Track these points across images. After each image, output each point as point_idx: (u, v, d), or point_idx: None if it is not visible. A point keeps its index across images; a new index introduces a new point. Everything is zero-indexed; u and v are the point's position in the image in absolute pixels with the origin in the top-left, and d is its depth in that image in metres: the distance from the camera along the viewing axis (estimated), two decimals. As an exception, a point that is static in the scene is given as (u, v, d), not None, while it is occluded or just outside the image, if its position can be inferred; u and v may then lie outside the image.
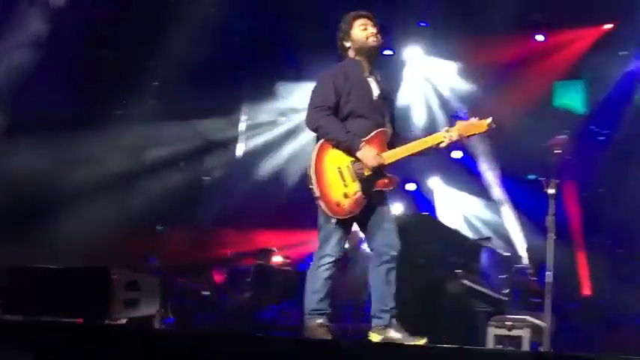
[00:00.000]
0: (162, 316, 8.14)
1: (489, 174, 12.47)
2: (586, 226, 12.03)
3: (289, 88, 13.43)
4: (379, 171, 5.58)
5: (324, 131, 5.59)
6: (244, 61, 12.79)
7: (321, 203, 5.54)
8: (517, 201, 12.29)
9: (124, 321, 6.18)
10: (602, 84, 12.26)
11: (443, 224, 9.10)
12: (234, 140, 13.83)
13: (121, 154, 11.90)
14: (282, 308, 10.25)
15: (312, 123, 5.68)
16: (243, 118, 13.83)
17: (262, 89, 13.37)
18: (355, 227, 5.81)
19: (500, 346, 7.20)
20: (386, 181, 5.63)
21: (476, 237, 10.66)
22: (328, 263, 5.65)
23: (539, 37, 12.29)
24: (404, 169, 5.79)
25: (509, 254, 9.00)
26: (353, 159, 5.56)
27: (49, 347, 4.57)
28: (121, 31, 11.56)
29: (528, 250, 11.36)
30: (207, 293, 11.03)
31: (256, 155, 13.64)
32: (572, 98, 12.57)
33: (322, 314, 5.67)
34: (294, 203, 12.91)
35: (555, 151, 5.99)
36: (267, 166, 13.51)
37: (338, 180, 5.54)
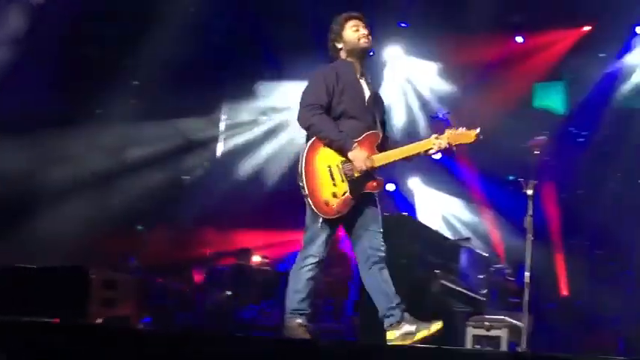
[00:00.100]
0: (139, 316, 8.13)
1: (469, 175, 12.51)
2: (564, 227, 12.08)
3: (269, 88, 13.41)
4: (368, 173, 5.60)
5: (316, 129, 5.60)
6: (224, 60, 12.77)
7: (310, 201, 5.54)
8: (496, 202, 12.32)
9: (101, 320, 6.16)
10: (582, 85, 12.31)
11: (422, 224, 9.09)
12: (214, 140, 13.79)
13: (101, 153, 11.85)
14: (262, 308, 10.23)
15: (304, 121, 5.69)
16: (223, 117, 13.80)
17: (242, 88, 13.34)
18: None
19: (479, 346, 7.22)
20: (374, 183, 5.66)
21: (455, 237, 10.67)
22: (311, 264, 5.66)
23: (519, 39, 12.34)
24: (384, 170, 5.79)
25: (487, 254, 9.01)
26: (343, 159, 5.58)
27: (24, 347, 4.53)
28: (101, 30, 11.50)
29: (507, 250, 11.40)
30: (186, 292, 10.98)
31: (236, 155, 13.60)
32: (552, 99, 12.62)
33: (302, 314, 5.67)
34: (274, 203, 12.92)
35: (534, 152, 6.01)
36: (247, 165, 13.47)
37: (328, 179, 5.55)
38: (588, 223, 11.91)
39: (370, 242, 5.68)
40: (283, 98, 13.53)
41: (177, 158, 12.95)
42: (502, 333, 7.18)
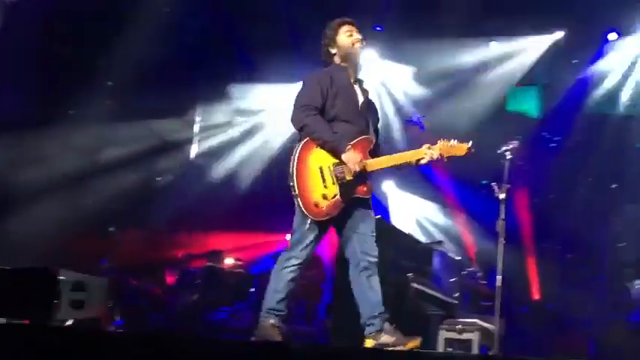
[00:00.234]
0: (110, 318, 8.06)
1: (442, 178, 12.55)
2: (536, 231, 12.15)
3: (243, 90, 13.39)
4: (360, 177, 5.61)
5: (310, 130, 5.59)
6: (198, 61, 12.72)
7: (299, 202, 5.53)
8: (469, 205, 12.36)
9: (70, 322, 6.11)
10: (555, 91, 12.41)
11: (395, 228, 9.11)
12: (187, 141, 13.74)
13: (75, 153, 11.75)
14: (234, 310, 10.21)
15: (297, 122, 5.67)
16: (197, 119, 13.75)
17: (216, 90, 13.30)
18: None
19: (451, 349, 7.24)
20: (365, 188, 5.66)
21: (428, 241, 10.72)
22: (293, 265, 5.66)
23: (494, 44, 12.38)
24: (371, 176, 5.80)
25: (460, 258, 9.05)
26: (335, 161, 5.58)
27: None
28: (74, 29, 11.41)
29: (479, 254, 11.44)
30: (159, 294, 10.92)
31: (210, 157, 13.57)
32: (526, 104, 12.70)
33: (278, 315, 5.66)
34: (248, 205, 12.90)
35: (507, 157, 6.04)
36: (221, 167, 13.44)
37: (319, 180, 5.55)
38: (560, 227, 11.99)
39: (361, 246, 5.69)
40: (257, 100, 13.53)
41: (150, 159, 12.89)
42: (474, 336, 7.20)
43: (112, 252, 11.47)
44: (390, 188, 13.17)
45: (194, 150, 13.77)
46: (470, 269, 9.86)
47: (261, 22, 11.84)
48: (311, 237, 5.65)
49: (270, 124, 13.74)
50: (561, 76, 12.37)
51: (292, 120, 5.74)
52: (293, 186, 5.53)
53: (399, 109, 12.85)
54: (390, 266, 7.95)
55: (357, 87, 5.91)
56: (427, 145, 5.74)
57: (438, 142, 5.73)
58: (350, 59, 5.91)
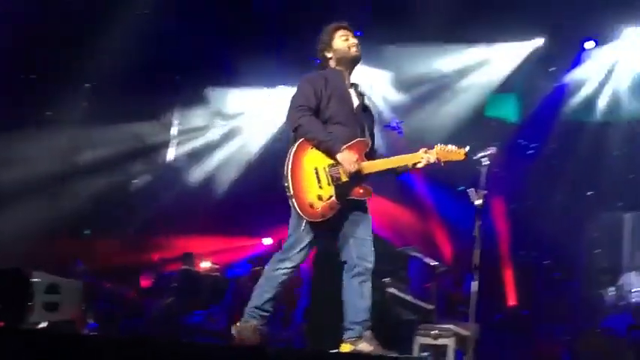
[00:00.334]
0: (84, 321, 8.01)
1: (419, 183, 12.58)
2: (513, 237, 12.21)
3: (221, 93, 13.37)
4: (356, 178, 5.56)
5: (305, 130, 5.55)
6: (176, 64, 12.66)
7: (294, 202, 5.47)
8: (446, 211, 12.40)
9: (44, 325, 6.05)
10: (532, 98, 12.48)
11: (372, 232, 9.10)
12: (165, 144, 13.70)
13: (51, 155, 11.69)
14: (209, 314, 10.17)
15: (292, 122, 5.62)
16: (175, 122, 13.71)
17: (194, 93, 13.27)
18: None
19: (426, 354, 7.26)
20: (361, 190, 5.61)
21: (404, 246, 10.72)
22: (287, 268, 5.59)
23: (473, 49, 12.44)
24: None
25: (436, 263, 9.05)
26: (331, 162, 5.54)
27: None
28: (53, 31, 11.34)
29: (455, 259, 11.48)
30: (134, 297, 10.85)
31: (187, 160, 13.54)
32: (505, 110, 12.76)
33: (262, 315, 5.61)
34: (225, 209, 12.87)
35: (484, 163, 6.04)
36: (198, 171, 13.41)
37: (314, 181, 5.50)
38: (536, 233, 12.06)
39: (358, 251, 5.64)
40: (235, 104, 13.52)
41: (127, 162, 12.84)
42: (449, 342, 7.22)
43: (87, 254, 11.40)
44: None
45: (171, 153, 13.73)
46: (446, 275, 9.88)
47: (240, 26, 11.82)
48: (306, 240, 5.59)
49: (248, 129, 13.74)
50: (539, 84, 12.45)
51: (287, 120, 5.70)
52: (288, 187, 5.48)
53: (377, 115, 12.85)
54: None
55: (352, 91, 5.90)
56: (424, 149, 5.71)
57: (435, 146, 5.71)
58: (345, 63, 5.91)
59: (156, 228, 12.88)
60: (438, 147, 5.70)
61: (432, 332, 7.30)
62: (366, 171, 5.60)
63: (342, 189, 5.53)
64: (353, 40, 5.92)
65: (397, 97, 12.73)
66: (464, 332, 7.15)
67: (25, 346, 4.55)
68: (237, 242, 13.23)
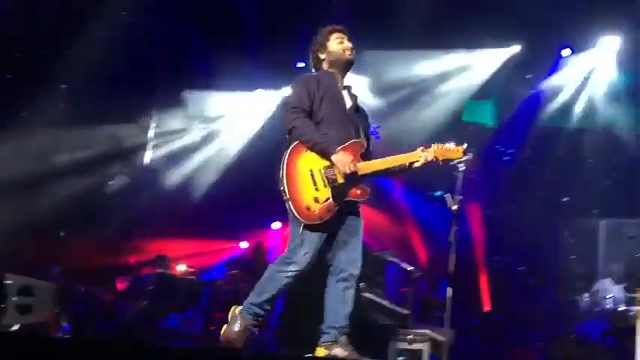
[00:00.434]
0: (58, 323, 7.95)
1: (395, 188, 12.60)
2: (488, 243, 12.26)
3: (200, 96, 13.33)
4: (352, 179, 5.52)
5: (299, 132, 5.51)
6: (155, 66, 12.61)
7: (291, 205, 5.41)
8: (422, 216, 12.43)
9: (17, 327, 6.00)
10: (509, 104, 12.55)
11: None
12: (142, 147, 13.62)
13: (26, 157, 11.57)
14: (185, 317, 10.13)
15: (286, 124, 5.58)
16: (152, 124, 13.64)
17: (172, 96, 13.21)
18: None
19: (402, 358, 7.27)
20: (358, 191, 5.58)
21: (380, 251, 10.73)
22: (292, 271, 5.48)
23: (451, 55, 12.48)
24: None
25: (412, 268, 9.07)
26: (326, 164, 5.49)
27: None
28: (29, 31, 11.26)
29: (431, 265, 11.51)
30: (109, 300, 10.78)
31: (165, 163, 13.47)
32: (482, 116, 12.81)
33: (257, 313, 5.53)
34: (201, 212, 12.82)
35: (460, 169, 6.05)
36: (176, 174, 13.35)
37: (309, 183, 5.45)
38: (512, 239, 12.12)
39: (347, 256, 5.62)
40: (214, 107, 13.48)
41: (104, 164, 12.76)
42: (424, 347, 7.25)
43: (63, 257, 11.31)
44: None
45: (149, 155, 13.66)
46: (422, 280, 9.91)
47: (219, 29, 11.80)
48: (309, 243, 5.48)
49: (226, 132, 13.70)
50: (516, 90, 12.53)
51: (281, 122, 5.69)
52: (283, 190, 5.42)
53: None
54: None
55: (345, 92, 5.86)
56: (421, 148, 5.68)
57: (432, 145, 5.69)
58: (339, 66, 5.87)
59: (132, 230, 12.80)
60: (436, 145, 5.68)
61: (407, 337, 7.32)
62: (362, 171, 5.56)
63: (338, 190, 5.48)
64: (348, 44, 5.88)
65: (375, 101, 12.73)
66: (439, 337, 7.18)
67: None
68: (214, 245, 13.19)
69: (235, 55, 11.73)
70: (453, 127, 12.28)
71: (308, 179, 5.46)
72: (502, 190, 12.40)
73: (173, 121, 13.52)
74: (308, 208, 5.40)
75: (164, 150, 13.55)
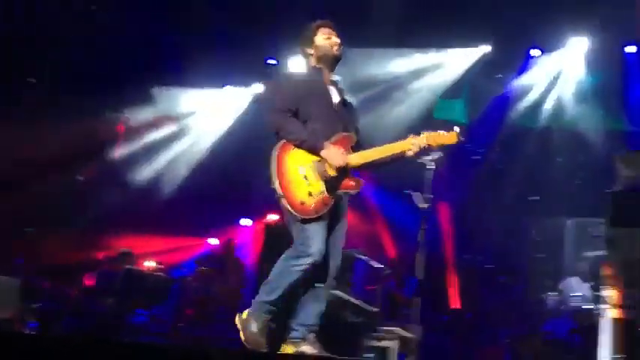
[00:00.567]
0: (24, 320, 7.87)
1: (365, 186, 12.61)
2: (457, 241, 12.32)
3: (170, 93, 13.27)
4: (344, 172, 5.49)
5: (286, 132, 5.48)
6: (125, 62, 12.51)
7: (285, 202, 5.38)
8: (391, 214, 12.46)
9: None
10: (479, 104, 12.60)
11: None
12: (112, 142, 13.52)
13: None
14: (152, 314, 10.07)
15: (272, 125, 5.54)
16: (122, 120, 13.54)
17: (143, 92, 13.13)
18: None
19: (370, 355, 7.29)
20: (352, 183, 5.55)
21: (349, 248, 10.74)
22: (307, 264, 5.37)
23: (423, 54, 12.53)
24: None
25: (381, 266, 9.10)
26: (316, 159, 5.47)
27: None
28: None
29: (400, 262, 11.53)
30: (76, 296, 10.68)
31: (135, 159, 13.38)
32: (453, 114, 12.85)
33: (272, 311, 5.46)
34: (171, 209, 12.77)
35: (430, 167, 6.09)
36: (146, 170, 13.28)
37: (301, 179, 5.42)
38: (481, 238, 12.19)
39: (335, 260, 5.58)
40: (184, 104, 13.43)
41: (73, 160, 12.65)
42: (392, 344, 7.26)
43: (29, 252, 11.21)
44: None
45: (118, 151, 13.56)
46: (390, 278, 9.94)
47: (188, 25, 11.76)
48: (317, 235, 5.39)
49: (196, 128, 13.66)
50: (486, 89, 12.59)
51: (266, 123, 5.61)
52: (275, 188, 5.39)
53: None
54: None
55: (332, 88, 5.82)
56: (412, 135, 5.63)
57: (422, 132, 5.64)
58: (326, 61, 5.83)
59: (101, 226, 12.72)
60: (427, 132, 5.64)
61: (376, 334, 7.34)
62: (353, 163, 5.53)
63: (331, 183, 5.46)
64: (335, 40, 5.85)
65: (350, 98, 12.74)
66: (407, 335, 7.20)
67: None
68: (183, 242, 13.14)
69: (205, 51, 11.70)
70: (425, 124, 12.30)
71: (299, 175, 5.44)
72: (472, 189, 12.47)
73: (143, 117, 13.44)
74: (302, 203, 5.38)
75: (134, 146, 13.46)
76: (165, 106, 13.33)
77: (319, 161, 5.47)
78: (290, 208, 5.38)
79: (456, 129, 5.63)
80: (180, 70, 12.51)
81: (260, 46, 12.17)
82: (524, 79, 12.36)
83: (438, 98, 12.82)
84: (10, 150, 11.76)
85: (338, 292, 7.99)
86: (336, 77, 5.94)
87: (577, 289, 10.27)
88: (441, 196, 11.33)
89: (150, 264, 11.50)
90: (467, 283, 11.99)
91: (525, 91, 12.42)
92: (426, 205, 5.84)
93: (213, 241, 13.18)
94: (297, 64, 12.54)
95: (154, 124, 13.45)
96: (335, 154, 5.45)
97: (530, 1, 10.65)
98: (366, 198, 12.72)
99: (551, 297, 10.43)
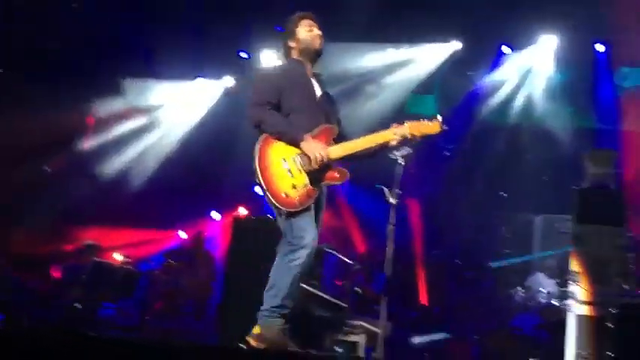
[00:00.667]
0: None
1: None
2: (426, 236, 12.37)
3: (140, 85, 13.19)
4: (326, 164, 5.49)
5: (267, 125, 5.48)
6: (94, 53, 12.40)
7: (269, 195, 5.36)
8: (361, 208, 12.48)
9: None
10: (450, 100, 12.65)
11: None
12: (80, 134, 13.42)
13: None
14: (120, 307, 10.01)
15: (253, 118, 5.54)
16: (91, 112, 13.44)
17: (112, 84, 13.03)
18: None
19: (340, 350, 7.30)
20: (336, 174, 5.56)
21: (319, 243, 10.74)
22: (302, 257, 5.42)
23: (395, 49, 12.55)
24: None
25: (350, 261, 9.11)
26: (299, 151, 5.46)
27: None
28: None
29: (369, 257, 11.56)
30: (43, 288, 10.59)
31: (103, 151, 13.28)
32: (424, 110, 12.90)
33: (282, 314, 5.44)
34: (141, 201, 12.70)
35: (400, 162, 6.09)
36: (115, 162, 13.19)
37: (284, 171, 5.41)
38: (449, 233, 12.25)
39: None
40: (154, 96, 13.36)
41: (41, 151, 12.53)
42: (360, 338, 7.28)
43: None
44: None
45: (87, 143, 13.46)
46: (359, 272, 9.95)
47: (159, 17, 11.68)
48: (305, 224, 5.43)
49: (166, 121, 13.60)
50: (457, 86, 12.64)
51: (248, 117, 5.59)
52: (259, 182, 5.38)
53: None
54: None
55: (314, 80, 5.83)
56: (395, 125, 5.68)
57: (405, 122, 5.69)
58: (308, 54, 5.83)
59: (69, 218, 12.63)
60: (410, 122, 5.69)
61: (344, 329, 7.35)
62: (334, 155, 5.54)
63: (315, 175, 5.47)
64: (317, 32, 5.84)
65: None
66: (375, 329, 7.22)
67: None
68: (152, 235, 13.09)
69: (177, 43, 11.64)
70: (398, 118, 12.32)
71: (282, 168, 5.44)
72: (441, 185, 12.52)
73: (112, 108, 13.34)
74: (287, 196, 5.38)
75: (103, 138, 13.36)
76: (135, 97, 13.25)
77: (302, 154, 5.48)
78: (274, 202, 5.38)
79: (439, 118, 5.68)
80: (151, 61, 12.44)
81: (232, 38, 12.13)
82: (494, 76, 12.43)
83: (410, 93, 12.85)
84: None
85: (305, 286, 7.99)
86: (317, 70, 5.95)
87: (544, 284, 10.36)
88: (410, 191, 11.39)
89: (118, 257, 11.42)
90: (435, 278, 12.03)
91: (496, 88, 12.49)
92: (395, 200, 5.82)
93: (183, 235, 13.15)
94: (268, 58, 12.60)
95: (124, 116, 13.36)
96: (314, 147, 5.46)
97: (502, -2, 10.74)
98: (336, 192, 12.73)
99: (519, 293, 10.50)
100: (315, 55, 5.87)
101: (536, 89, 12.32)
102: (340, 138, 5.73)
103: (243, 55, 12.79)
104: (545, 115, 12.21)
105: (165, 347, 4.89)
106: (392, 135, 5.67)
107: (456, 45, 12.25)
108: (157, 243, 13.00)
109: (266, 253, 7.50)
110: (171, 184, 12.72)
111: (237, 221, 8.58)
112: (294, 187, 5.41)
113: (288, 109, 5.61)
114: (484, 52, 12.22)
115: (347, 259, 8.93)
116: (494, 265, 11.62)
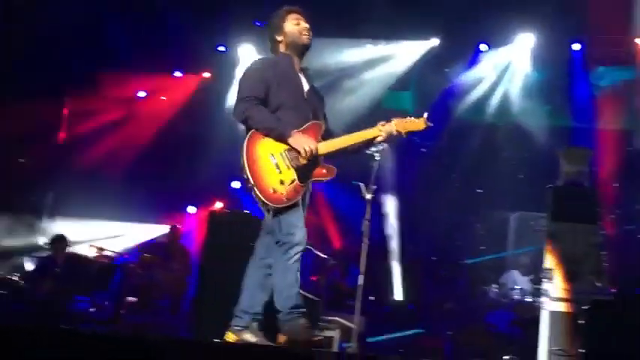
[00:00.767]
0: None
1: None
2: (402, 233, 12.40)
3: (116, 77, 13.13)
4: (314, 160, 5.47)
5: (254, 121, 5.42)
6: (70, 46, 12.30)
7: (257, 191, 5.30)
8: (336, 204, 12.49)
9: None
10: (427, 97, 12.67)
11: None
12: (57, 126, 13.34)
13: None
14: (94, 300, 9.94)
15: (240, 114, 5.47)
16: (66, 104, 13.36)
17: (88, 77, 12.94)
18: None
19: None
20: (324, 170, 5.55)
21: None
22: (297, 253, 5.40)
23: (372, 45, 12.57)
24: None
25: (325, 256, 9.12)
26: (286, 147, 5.41)
27: None
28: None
29: (344, 253, 11.58)
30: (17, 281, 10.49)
31: (78, 143, 13.20)
32: (401, 106, 12.92)
33: (300, 313, 5.40)
34: (117, 194, 12.64)
35: (376, 158, 6.09)
36: (90, 155, 13.12)
37: (272, 167, 5.36)
38: (425, 230, 12.29)
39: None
40: (131, 89, 13.31)
41: (17, 142, 12.44)
42: (334, 334, 7.30)
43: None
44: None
45: (63, 135, 13.39)
46: (334, 268, 9.98)
47: (137, 9, 11.63)
48: (294, 220, 5.42)
49: (143, 114, 13.55)
50: (434, 83, 12.67)
51: (234, 112, 5.53)
52: (247, 178, 5.32)
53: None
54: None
55: (302, 75, 5.77)
56: (381, 122, 5.67)
57: (392, 119, 5.69)
58: (295, 48, 5.76)
59: (44, 210, 12.56)
60: (396, 120, 5.69)
61: (318, 324, 7.36)
62: (322, 151, 5.51)
63: (303, 171, 5.44)
64: (304, 25, 5.77)
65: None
66: (349, 324, 7.23)
67: None
68: (127, 228, 13.03)
69: (155, 36, 11.59)
70: (374, 116, 12.34)
71: (269, 163, 5.38)
72: (417, 181, 12.55)
73: (89, 101, 13.27)
74: (274, 191, 5.33)
75: (79, 130, 13.29)
76: (112, 89, 13.18)
77: (290, 149, 5.43)
78: (262, 198, 5.32)
79: (425, 115, 5.71)
80: (129, 53, 12.36)
81: (210, 32, 12.10)
82: (471, 74, 12.48)
83: (387, 90, 12.88)
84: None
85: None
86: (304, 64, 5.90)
87: (518, 281, 10.44)
88: (386, 187, 11.43)
89: (92, 250, 11.34)
90: (410, 274, 12.07)
91: (472, 86, 12.54)
92: (370, 196, 5.83)
93: (158, 228, 13.10)
94: (246, 51, 12.59)
95: (100, 108, 13.29)
96: (303, 142, 5.42)
97: (479, -4, 10.79)
98: (312, 188, 12.74)
99: (493, 289, 10.57)
100: (302, 49, 5.80)
101: (513, 87, 12.39)
102: (327, 134, 5.72)
103: (221, 48, 12.76)
104: (522, 113, 12.27)
105: (140, 341, 4.87)
106: (378, 132, 5.67)
107: (433, 42, 12.30)
108: (131, 236, 12.96)
109: (242, 246, 7.54)
110: (147, 177, 12.67)
111: (213, 215, 8.54)
112: (281, 182, 5.36)
113: (276, 104, 5.55)
114: (461, 50, 12.28)
115: (322, 254, 8.94)
116: (469, 261, 11.69)
